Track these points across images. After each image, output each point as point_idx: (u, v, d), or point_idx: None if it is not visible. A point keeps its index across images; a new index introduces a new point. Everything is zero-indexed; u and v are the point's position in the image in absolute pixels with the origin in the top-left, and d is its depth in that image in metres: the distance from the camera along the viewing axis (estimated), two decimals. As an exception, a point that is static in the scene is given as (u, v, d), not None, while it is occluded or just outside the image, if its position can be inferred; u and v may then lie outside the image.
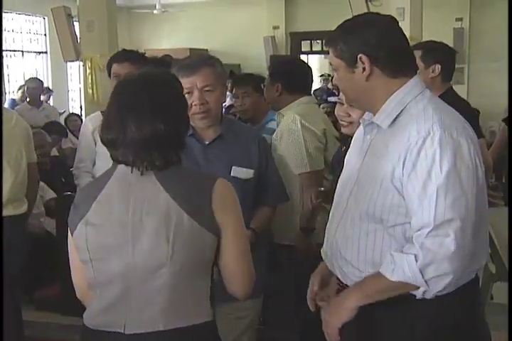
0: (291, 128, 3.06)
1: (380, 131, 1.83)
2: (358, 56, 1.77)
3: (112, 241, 1.70)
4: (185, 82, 2.33)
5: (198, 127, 2.46)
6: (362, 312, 1.77)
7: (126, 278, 1.69)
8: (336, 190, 2.00)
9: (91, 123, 3.32)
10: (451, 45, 3.68)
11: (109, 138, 1.70)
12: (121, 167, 1.73)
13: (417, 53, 3.29)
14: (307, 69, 3.38)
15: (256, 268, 2.37)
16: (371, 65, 1.78)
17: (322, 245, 2.05)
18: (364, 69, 1.78)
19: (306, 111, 3.14)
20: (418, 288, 1.69)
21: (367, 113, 1.94)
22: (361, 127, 1.97)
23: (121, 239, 1.69)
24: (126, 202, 1.70)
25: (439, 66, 3.30)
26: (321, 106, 8.21)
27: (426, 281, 1.66)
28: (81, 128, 3.48)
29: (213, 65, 2.46)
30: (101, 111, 3.24)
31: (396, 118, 1.79)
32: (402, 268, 1.67)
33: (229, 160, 2.44)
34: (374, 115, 1.85)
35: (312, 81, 3.40)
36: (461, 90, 3.59)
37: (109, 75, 3.29)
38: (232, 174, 2.41)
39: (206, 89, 2.40)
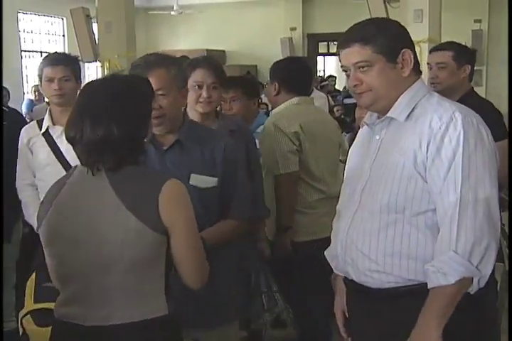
0: (267, 130, 3.13)
1: (393, 127, 1.87)
2: (402, 51, 1.83)
3: (67, 240, 1.77)
4: None
5: (156, 133, 2.28)
6: None
7: (82, 275, 1.77)
8: (343, 190, 2.03)
9: (25, 134, 3.20)
10: (469, 46, 3.67)
11: (69, 136, 1.78)
12: (79, 167, 1.81)
13: (447, 53, 3.29)
14: (306, 70, 3.35)
15: (225, 292, 2.30)
16: (414, 59, 1.85)
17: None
18: (403, 64, 1.84)
19: (291, 112, 3.15)
20: (472, 281, 1.72)
21: (368, 115, 1.98)
22: (364, 130, 2.02)
23: (75, 237, 1.76)
24: (78, 202, 1.78)
25: (470, 66, 3.31)
26: (335, 108, 8.28)
27: (477, 267, 1.70)
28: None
29: (167, 66, 2.23)
30: (36, 121, 3.19)
31: (411, 111, 1.84)
32: (451, 268, 1.70)
33: (188, 168, 2.27)
34: (382, 115, 1.90)
35: (311, 82, 3.38)
36: (479, 92, 3.57)
37: (40, 80, 3.12)
38: (190, 182, 2.24)
39: (159, 92, 2.16)
